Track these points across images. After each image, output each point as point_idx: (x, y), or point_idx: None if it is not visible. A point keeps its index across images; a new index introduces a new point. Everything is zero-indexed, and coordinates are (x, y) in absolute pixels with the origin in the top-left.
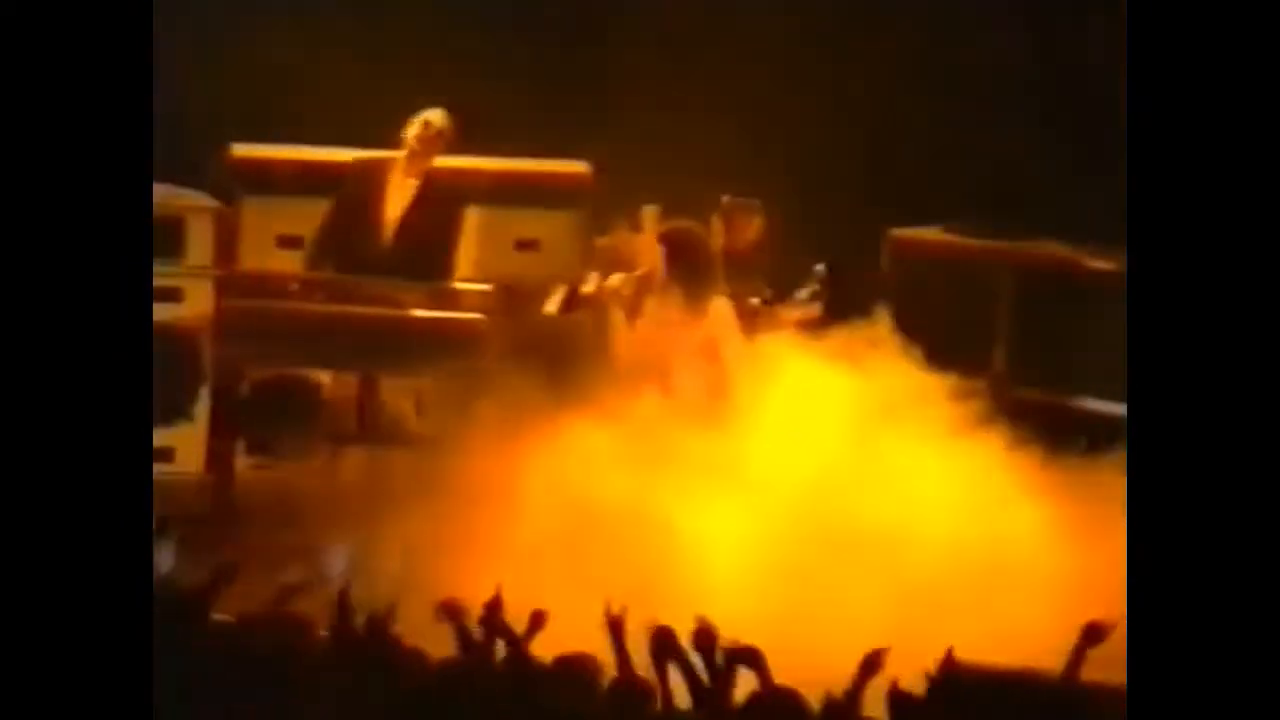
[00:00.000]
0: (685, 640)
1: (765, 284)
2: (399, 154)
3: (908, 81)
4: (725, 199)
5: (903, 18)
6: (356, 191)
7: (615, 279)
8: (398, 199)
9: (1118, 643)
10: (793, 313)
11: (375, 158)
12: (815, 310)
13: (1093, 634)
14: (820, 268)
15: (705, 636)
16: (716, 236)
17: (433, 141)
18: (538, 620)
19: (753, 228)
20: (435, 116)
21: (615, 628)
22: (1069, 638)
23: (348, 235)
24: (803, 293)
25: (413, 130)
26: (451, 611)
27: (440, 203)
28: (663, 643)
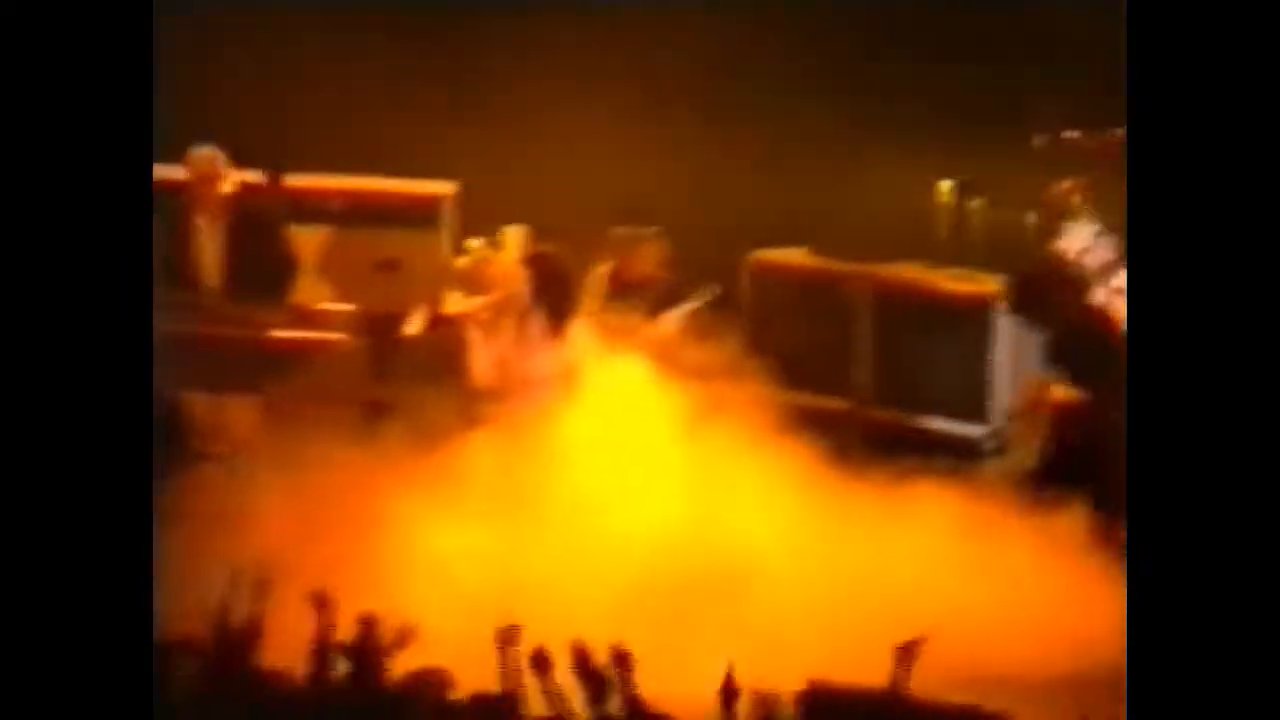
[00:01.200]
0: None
1: (647, 311)
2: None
3: (777, 98)
4: (620, 229)
5: (772, 38)
6: (170, 232)
7: (477, 300)
8: (213, 231)
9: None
10: (662, 327)
11: (176, 201)
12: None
13: (906, 651)
14: (715, 287)
15: (581, 655)
16: (608, 264)
17: (208, 174)
18: (404, 636)
19: (649, 256)
20: (203, 152)
21: (505, 642)
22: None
23: (179, 265)
24: (681, 309)
25: (189, 169)
26: (321, 602)
27: (255, 227)
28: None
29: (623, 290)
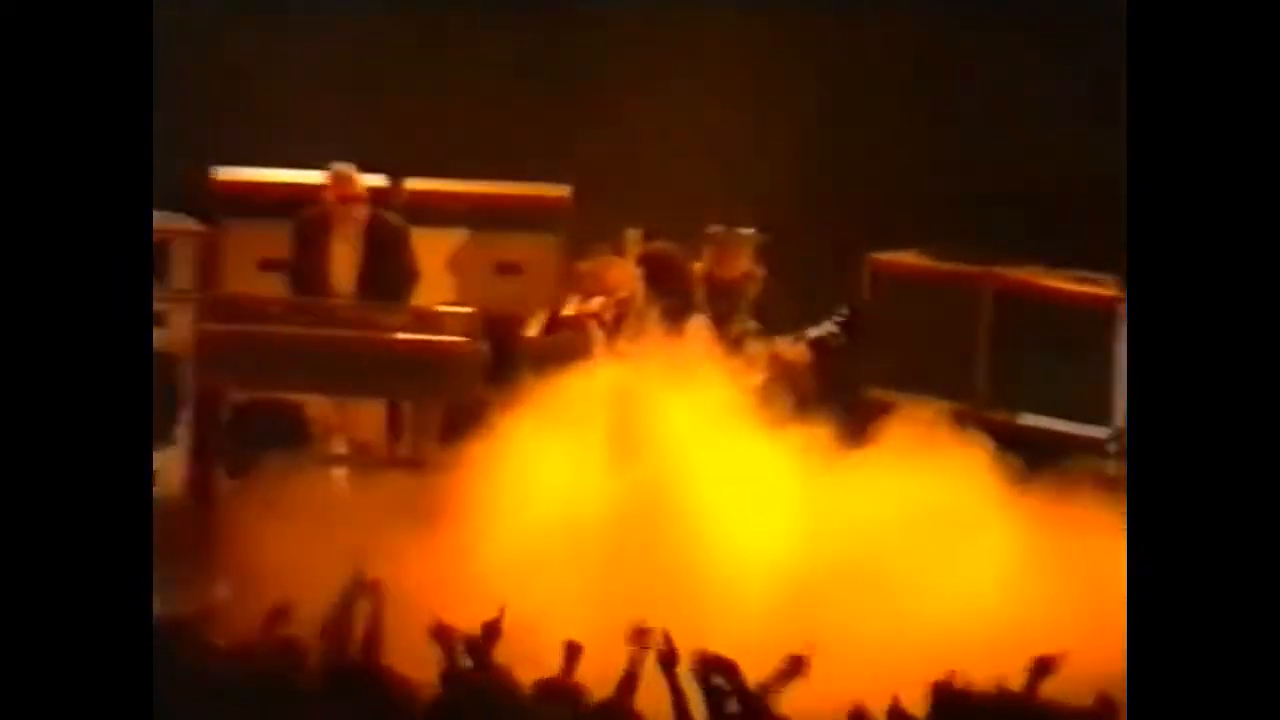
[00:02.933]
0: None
1: (750, 313)
2: (336, 198)
3: (889, 106)
4: (715, 229)
5: (884, 43)
6: (306, 241)
7: (595, 302)
8: (345, 245)
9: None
10: (789, 347)
11: (314, 212)
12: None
13: (1042, 667)
14: (843, 309)
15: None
16: (704, 264)
17: (351, 195)
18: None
19: (743, 258)
20: (344, 171)
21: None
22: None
23: (312, 272)
24: (815, 330)
25: (328, 186)
26: (442, 636)
27: (384, 234)
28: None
29: (719, 289)
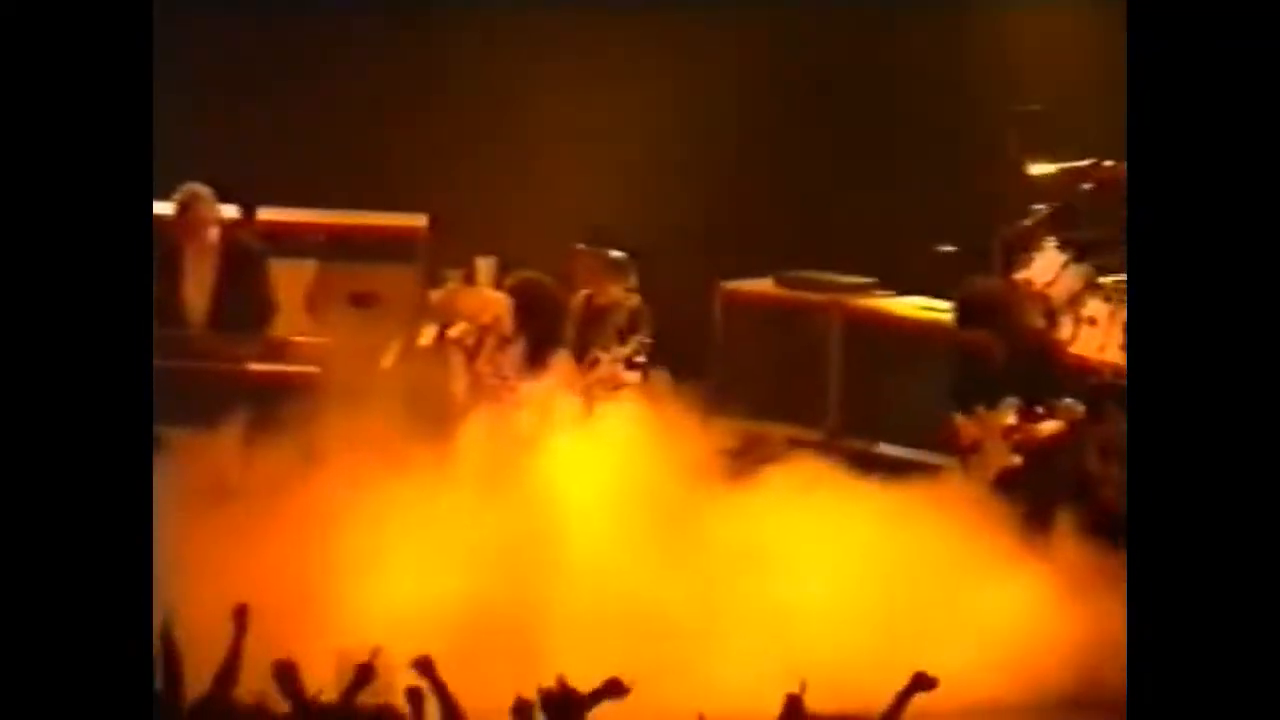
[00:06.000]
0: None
1: (619, 340)
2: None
3: (745, 132)
4: (586, 249)
5: (747, 69)
6: (159, 271)
7: (457, 329)
8: (200, 267)
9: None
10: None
11: (165, 241)
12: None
13: (921, 683)
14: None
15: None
16: (577, 289)
17: (198, 214)
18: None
19: (615, 283)
20: (195, 192)
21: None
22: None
23: (163, 300)
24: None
25: (179, 210)
26: (285, 673)
27: (239, 263)
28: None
29: (594, 315)
